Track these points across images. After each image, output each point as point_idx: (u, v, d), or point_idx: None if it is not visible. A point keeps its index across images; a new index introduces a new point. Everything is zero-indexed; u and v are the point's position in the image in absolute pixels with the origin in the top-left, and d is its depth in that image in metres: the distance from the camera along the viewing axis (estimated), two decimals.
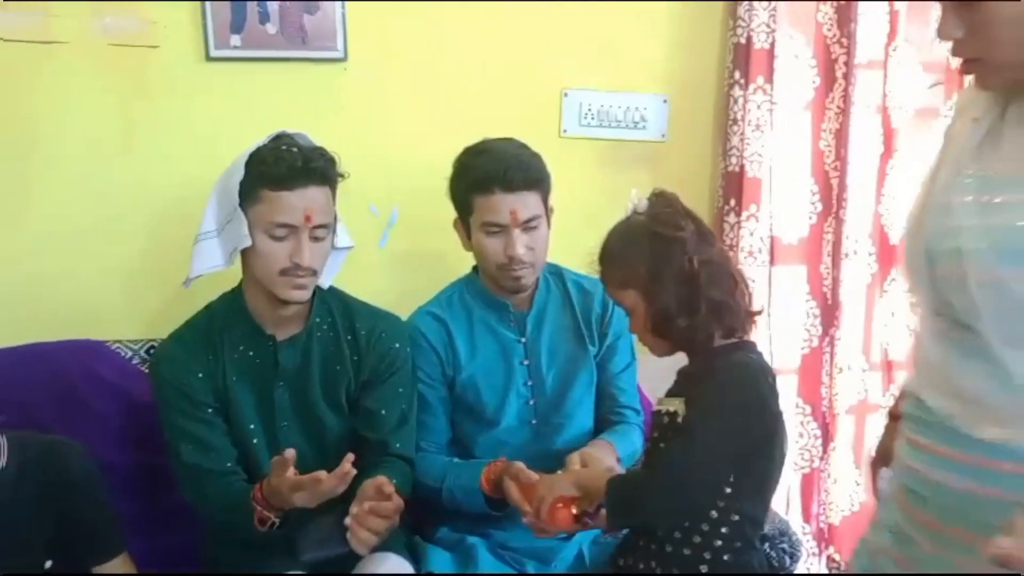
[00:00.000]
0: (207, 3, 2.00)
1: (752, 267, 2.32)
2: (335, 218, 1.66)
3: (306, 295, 1.62)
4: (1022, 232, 1.03)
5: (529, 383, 1.84)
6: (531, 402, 1.84)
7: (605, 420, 1.89)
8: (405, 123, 2.15)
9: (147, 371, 1.93)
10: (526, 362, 1.83)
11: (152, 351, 2.03)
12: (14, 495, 1.43)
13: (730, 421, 1.31)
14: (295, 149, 1.57)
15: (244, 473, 1.65)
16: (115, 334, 2.01)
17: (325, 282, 1.73)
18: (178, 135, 2.04)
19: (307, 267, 1.57)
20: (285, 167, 1.54)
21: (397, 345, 1.74)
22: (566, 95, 2.25)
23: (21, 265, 2.00)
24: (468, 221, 1.77)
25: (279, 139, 1.60)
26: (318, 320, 1.70)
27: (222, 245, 1.62)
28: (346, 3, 2.08)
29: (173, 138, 2.04)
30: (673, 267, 1.34)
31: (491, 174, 1.70)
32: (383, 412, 1.70)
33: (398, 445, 1.70)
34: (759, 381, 1.35)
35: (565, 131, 2.27)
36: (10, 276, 2.00)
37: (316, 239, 1.59)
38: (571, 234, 2.29)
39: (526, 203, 1.72)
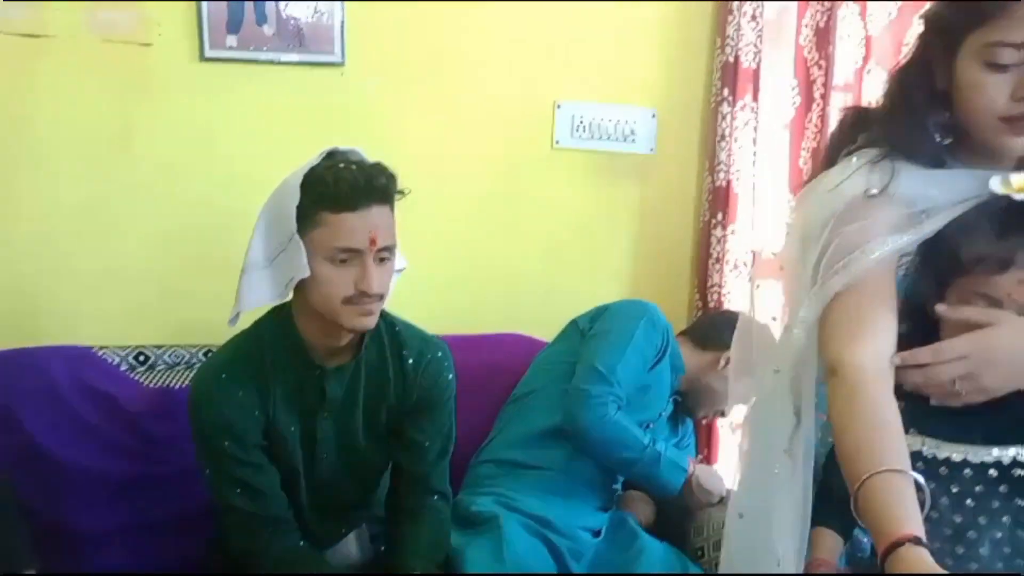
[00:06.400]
0: (203, 2, 1.96)
1: (737, 280, 2.37)
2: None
3: (374, 322, 1.49)
4: None
5: None
6: None
7: None
8: (400, 131, 2.13)
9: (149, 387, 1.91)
10: None
11: (141, 357, 1.98)
12: None
13: None
14: (353, 167, 1.43)
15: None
16: (103, 340, 1.94)
17: None
18: (172, 136, 1.99)
19: (375, 293, 1.44)
20: (347, 186, 1.40)
21: (445, 375, 1.63)
22: (559, 107, 2.27)
23: (8, 267, 1.93)
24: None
25: (332, 156, 1.47)
26: (368, 348, 1.56)
27: (273, 277, 1.46)
28: (345, 6, 2.06)
29: (167, 139, 1.99)
30: None
31: None
32: (426, 444, 1.62)
33: (437, 480, 1.65)
34: None
35: (558, 142, 2.29)
36: None
37: (381, 261, 1.46)
38: (562, 242, 2.34)
39: None
